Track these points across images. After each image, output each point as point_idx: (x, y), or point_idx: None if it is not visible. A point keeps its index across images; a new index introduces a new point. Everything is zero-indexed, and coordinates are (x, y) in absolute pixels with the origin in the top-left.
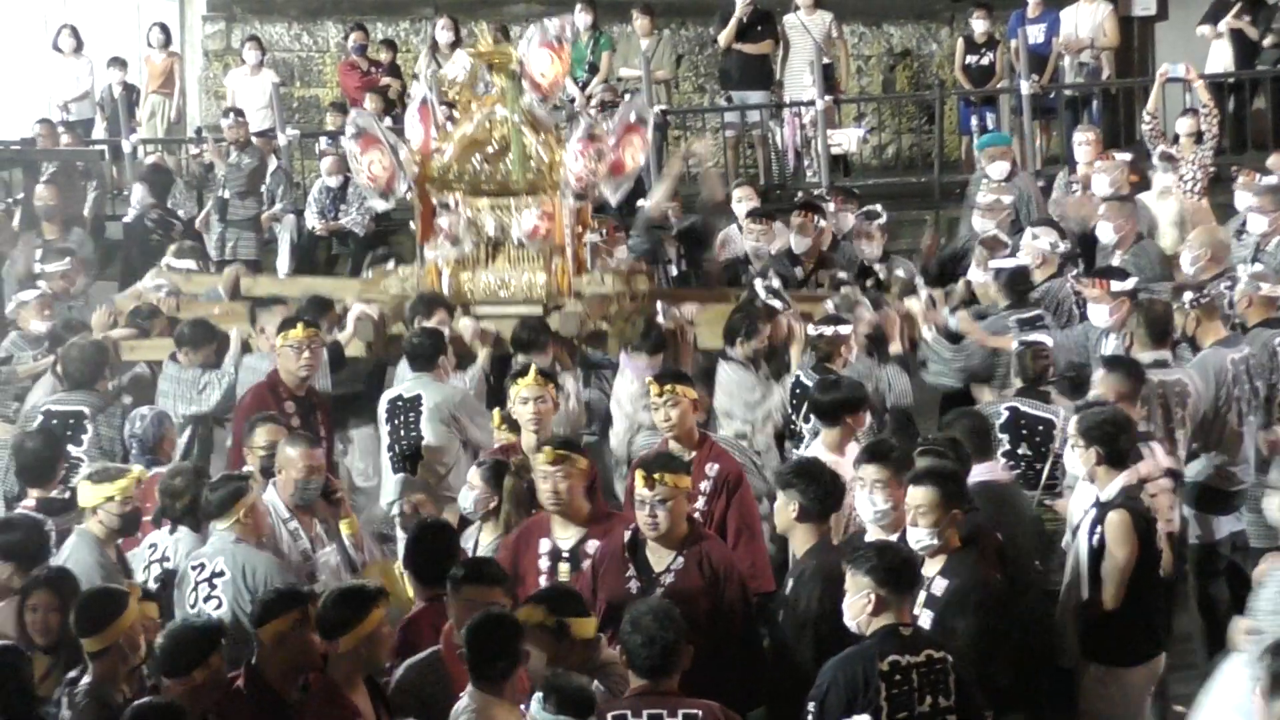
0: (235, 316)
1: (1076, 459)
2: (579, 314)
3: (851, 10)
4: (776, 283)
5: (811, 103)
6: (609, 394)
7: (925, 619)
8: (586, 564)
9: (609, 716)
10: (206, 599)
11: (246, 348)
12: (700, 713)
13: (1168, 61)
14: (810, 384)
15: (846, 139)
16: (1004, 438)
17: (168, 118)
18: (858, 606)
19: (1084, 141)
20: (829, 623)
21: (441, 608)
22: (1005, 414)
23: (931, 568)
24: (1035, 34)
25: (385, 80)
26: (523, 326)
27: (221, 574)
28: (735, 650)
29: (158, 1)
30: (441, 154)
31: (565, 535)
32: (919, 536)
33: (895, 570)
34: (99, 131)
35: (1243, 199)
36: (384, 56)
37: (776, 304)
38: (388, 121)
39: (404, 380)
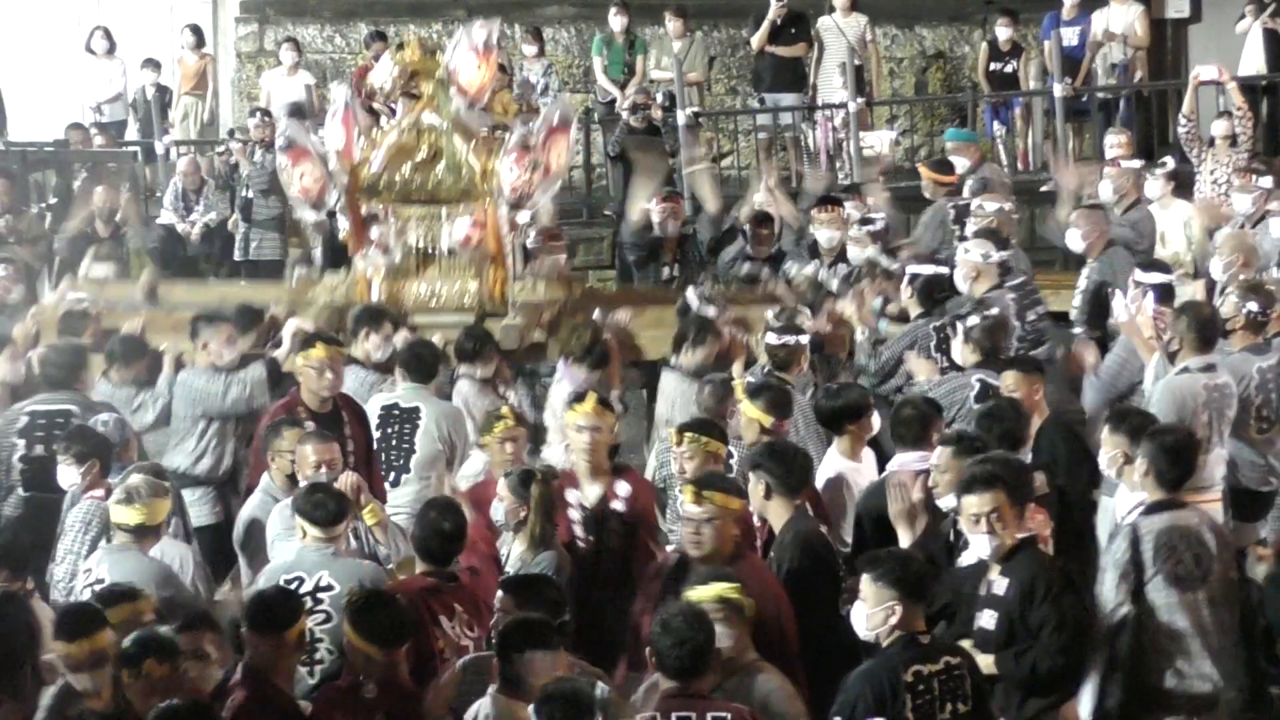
0: (158, 325)
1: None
2: (518, 327)
3: (884, 12)
4: (709, 289)
5: (844, 105)
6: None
7: (988, 619)
8: None
9: (638, 719)
10: (310, 613)
11: (179, 365)
12: (729, 715)
13: (1201, 64)
14: None
15: (879, 141)
16: (979, 409)
17: (200, 119)
18: (878, 618)
19: (1115, 144)
20: (807, 580)
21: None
22: (976, 386)
23: (991, 568)
24: (1069, 36)
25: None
26: (467, 336)
27: (329, 588)
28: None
29: (191, 3)
30: (370, 163)
31: None
32: (979, 543)
33: (918, 580)
34: (131, 133)
35: (1241, 202)
36: None
37: (710, 311)
38: None
39: (393, 389)
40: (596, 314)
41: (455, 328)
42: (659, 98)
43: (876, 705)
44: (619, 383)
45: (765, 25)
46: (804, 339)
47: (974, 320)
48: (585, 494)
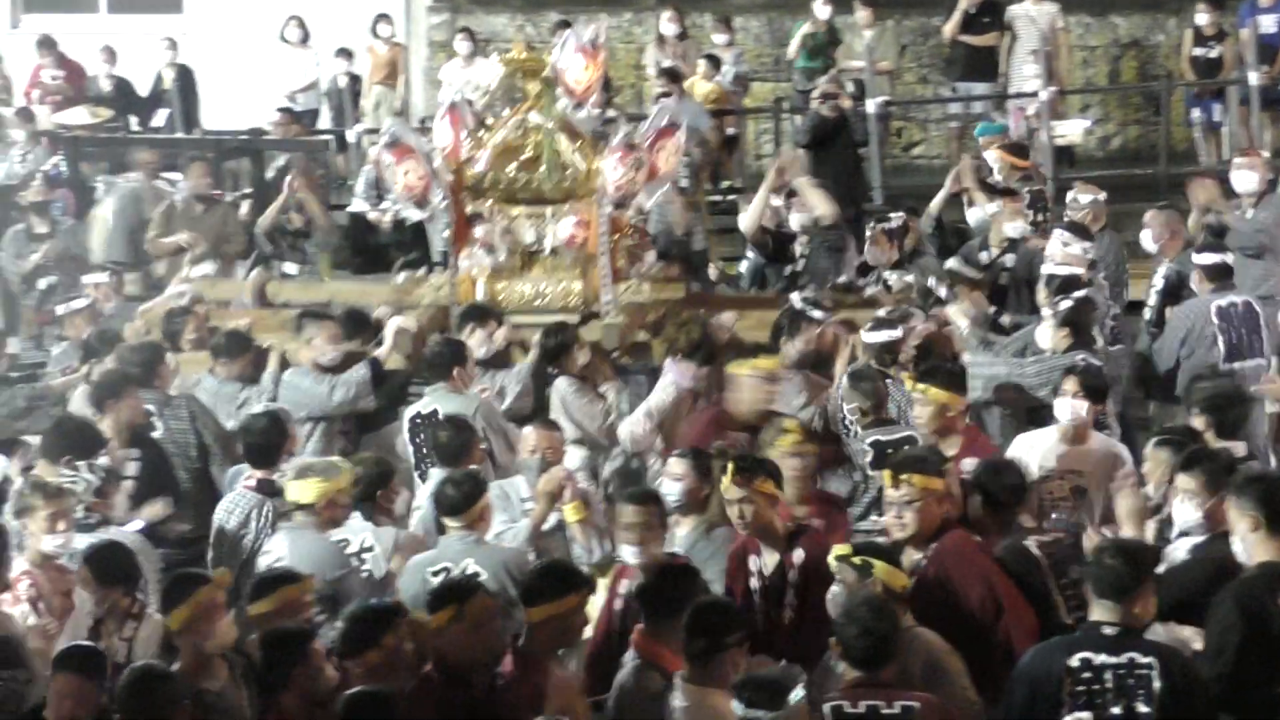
0: (265, 325)
1: None
2: (619, 326)
3: (1077, 0)
4: (814, 293)
5: (1036, 94)
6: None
7: None
8: None
9: (827, 706)
10: None
11: (285, 364)
12: (918, 704)
13: None
14: None
15: (1072, 130)
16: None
17: (391, 108)
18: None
19: None
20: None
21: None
22: (1082, 364)
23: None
24: (1267, 24)
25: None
26: (548, 334)
27: (477, 575)
28: (980, 652)
29: None
30: (474, 162)
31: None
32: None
33: (1100, 571)
34: (324, 122)
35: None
36: None
37: (816, 314)
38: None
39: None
40: (701, 314)
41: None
42: (850, 87)
43: (1031, 683)
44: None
45: (958, 14)
46: (897, 333)
47: (1064, 304)
48: (765, 561)
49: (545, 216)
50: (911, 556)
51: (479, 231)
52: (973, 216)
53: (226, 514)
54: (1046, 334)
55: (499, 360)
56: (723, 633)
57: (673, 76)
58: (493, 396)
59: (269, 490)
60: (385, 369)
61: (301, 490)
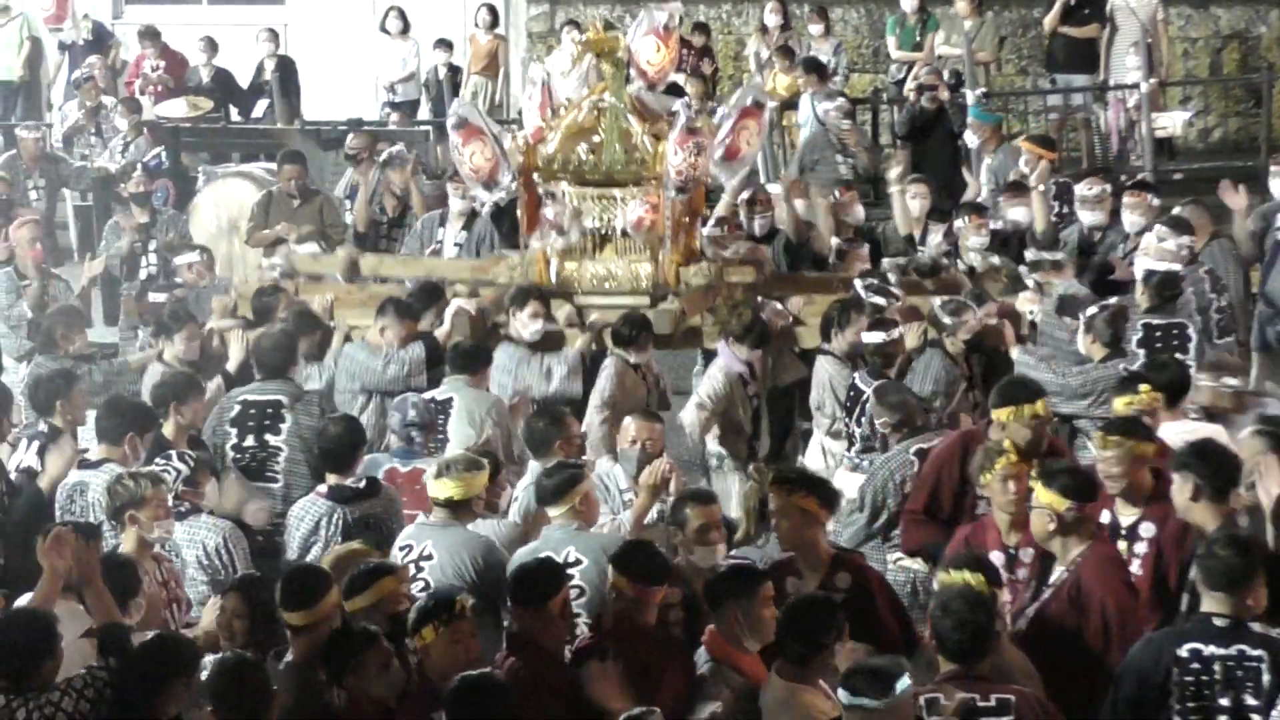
0: (350, 301)
1: None
2: (673, 312)
3: None
4: (879, 281)
5: (1136, 86)
6: None
7: None
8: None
9: (921, 699)
10: None
11: (347, 338)
12: (1014, 698)
13: None
14: (865, 388)
15: (1172, 122)
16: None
17: (490, 99)
18: None
19: None
20: None
21: None
22: (1140, 331)
23: None
24: None
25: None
26: (624, 322)
27: (579, 562)
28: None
29: None
30: (546, 143)
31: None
32: None
33: (1210, 562)
34: (423, 112)
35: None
36: (696, 40)
37: (880, 301)
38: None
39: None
40: (762, 299)
41: (629, 309)
42: (944, 75)
43: (1138, 671)
44: (783, 365)
45: (1058, 5)
46: (894, 334)
47: (1094, 310)
48: (804, 585)
49: (615, 198)
50: (1054, 570)
51: (549, 212)
52: (1021, 215)
53: (298, 520)
54: (1081, 341)
55: (551, 343)
56: (820, 634)
57: (813, 67)
58: (540, 377)
59: (340, 497)
60: (442, 351)
61: (444, 487)
